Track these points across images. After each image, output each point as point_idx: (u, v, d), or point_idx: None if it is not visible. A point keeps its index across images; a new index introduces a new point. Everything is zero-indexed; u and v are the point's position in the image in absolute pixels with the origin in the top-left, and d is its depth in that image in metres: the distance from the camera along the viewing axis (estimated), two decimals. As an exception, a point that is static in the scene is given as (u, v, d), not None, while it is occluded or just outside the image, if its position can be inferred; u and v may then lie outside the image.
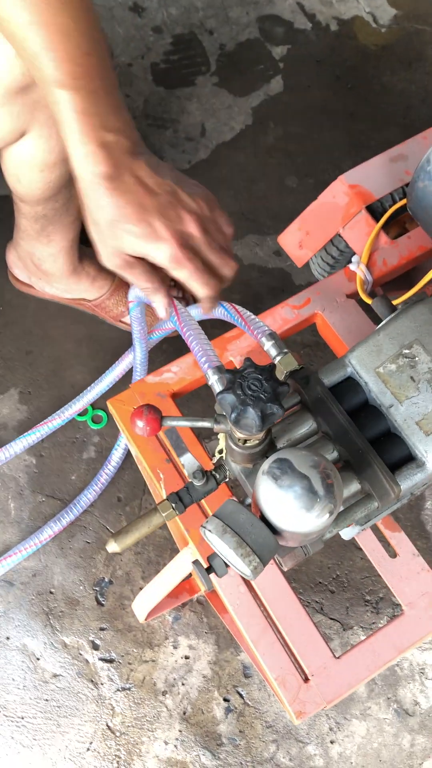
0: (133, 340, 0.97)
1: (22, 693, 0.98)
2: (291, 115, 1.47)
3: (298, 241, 1.06)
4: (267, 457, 0.66)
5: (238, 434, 0.59)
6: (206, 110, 1.47)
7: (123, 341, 1.19)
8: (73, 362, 1.21)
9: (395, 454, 0.67)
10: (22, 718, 0.97)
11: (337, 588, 1.03)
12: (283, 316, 0.92)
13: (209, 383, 0.67)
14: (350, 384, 0.70)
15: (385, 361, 0.68)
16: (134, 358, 1.00)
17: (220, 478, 0.67)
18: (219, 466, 0.68)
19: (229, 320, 0.80)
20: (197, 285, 0.64)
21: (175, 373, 0.90)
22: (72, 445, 1.13)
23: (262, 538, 0.56)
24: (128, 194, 0.59)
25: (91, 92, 0.58)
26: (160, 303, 0.66)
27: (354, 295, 0.95)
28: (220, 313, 0.81)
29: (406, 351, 0.67)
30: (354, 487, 0.66)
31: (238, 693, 0.98)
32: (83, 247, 1.16)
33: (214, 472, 0.67)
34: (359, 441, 0.66)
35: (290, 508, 0.54)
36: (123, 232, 0.60)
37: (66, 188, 0.96)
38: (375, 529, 0.81)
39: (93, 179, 0.59)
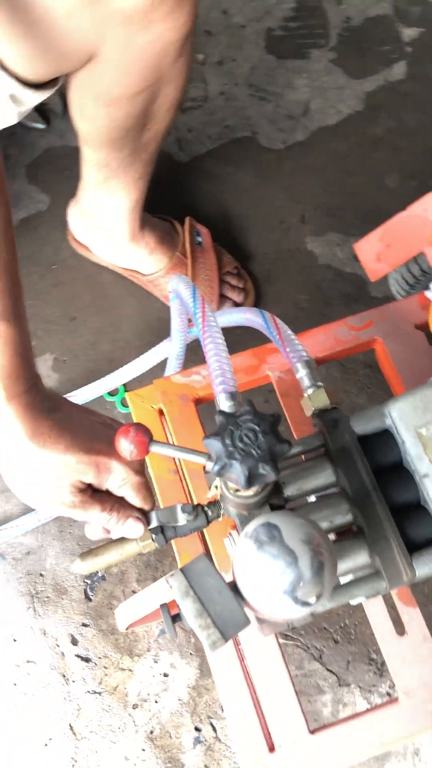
0: (172, 332, 0.89)
1: (-7, 670, 0.94)
2: (408, 106, 1.33)
3: (377, 252, 0.95)
4: (268, 506, 0.57)
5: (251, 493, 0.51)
6: (315, 88, 1.35)
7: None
8: (115, 337, 1.14)
9: (419, 532, 0.57)
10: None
11: (343, 638, 0.94)
12: (338, 335, 0.82)
13: (218, 408, 0.59)
14: (385, 439, 0.60)
15: (429, 422, 0.57)
16: (170, 352, 0.93)
17: (212, 516, 0.59)
18: (214, 502, 0.60)
19: (266, 333, 0.71)
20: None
21: (204, 378, 0.81)
22: (96, 423, 1.07)
23: (228, 612, 0.48)
24: None
25: None
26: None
27: (424, 327, 0.83)
28: (258, 324, 0.72)
29: (459, 415, 0.56)
30: (362, 559, 0.56)
31: (212, 725, 0.91)
32: (147, 215, 1.09)
33: (206, 508, 0.59)
34: (380, 508, 0.56)
35: (268, 586, 0.45)
36: None
37: (132, 135, 0.88)
38: (388, 597, 0.71)
39: None
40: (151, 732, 0.91)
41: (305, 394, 0.63)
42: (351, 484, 0.58)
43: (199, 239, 1.12)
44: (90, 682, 0.93)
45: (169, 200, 1.24)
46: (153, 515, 0.58)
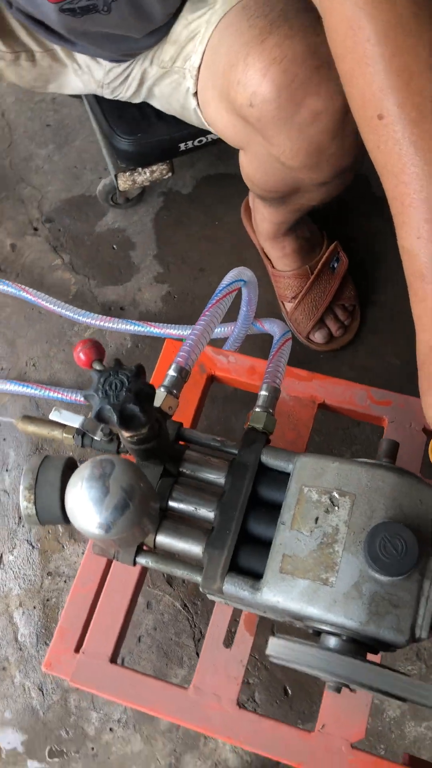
0: (238, 317, 0.99)
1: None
2: None
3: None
4: (158, 463, 0.68)
5: (129, 435, 0.61)
6: None
7: (276, 315, 1.20)
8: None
9: (249, 560, 0.64)
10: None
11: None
12: (355, 396, 0.87)
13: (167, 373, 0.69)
14: (281, 479, 0.67)
15: (314, 486, 0.63)
16: (232, 333, 1.03)
17: (122, 449, 0.70)
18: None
19: (272, 348, 0.79)
20: None
21: (228, 362, 0.91)
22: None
23: (51, 503, 0.60)
24: None
25: None
26: None
27: (429, 433, 0.86)
28: (276, 339, 0.80)
29: (336, 496, 0.62)
30: (195, 549, 0.65)
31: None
32: (305, 218, 1.16)
33: (122, 439, 0.70)
34: (235, 523, 0.64)
35: (78, 497, 0.56)
36: None
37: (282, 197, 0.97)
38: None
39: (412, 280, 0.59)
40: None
41: (254, 410, 0.72)
42: (229, 493, 0.66)
43: (335, 265, 1.18)
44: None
45: (341, 218, 1.29)
46: (82, 419, 0.71)
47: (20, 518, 1.12)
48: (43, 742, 1.01)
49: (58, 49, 0.95)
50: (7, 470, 1.16)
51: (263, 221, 1.12)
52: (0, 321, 1.29)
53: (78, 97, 1.35)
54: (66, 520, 0.60)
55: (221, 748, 0.97)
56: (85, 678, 0.76)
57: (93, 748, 0.99)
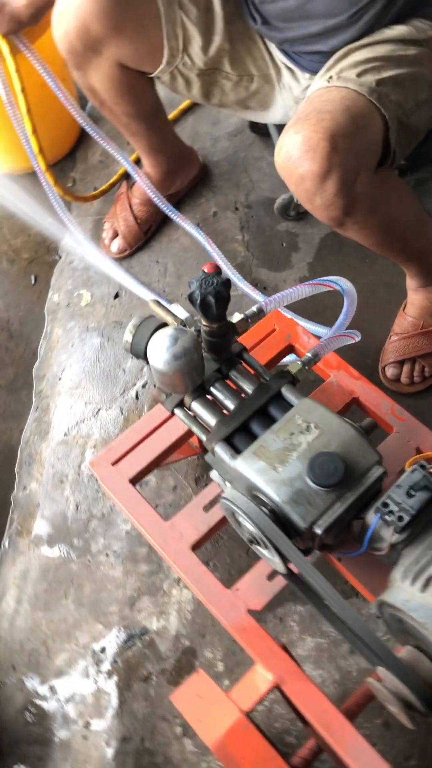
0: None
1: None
2: None
3: None
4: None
5: (205, 324, 0.93)
6: None
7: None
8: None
9: (239, 443, 0.93)
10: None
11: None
12: (381, 405, 1.12)
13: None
14: (286, 406, 0.95)
15: (302, 416, 0.91)
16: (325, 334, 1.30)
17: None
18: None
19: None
20: None
21: (308, 343, 1.19)
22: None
23: (141, 339, 0.93)
24: None
25: None
26: None
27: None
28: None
29: (312, 426, 0.90)
30: (212, 421, 0.95)
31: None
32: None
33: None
34: (242, 417, 0.94)
35: (157, 341, 0.88)
36: None
37: None
38: None
39: None
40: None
41: (295, 361, 1.00)
42: (250, 399, 0.95)
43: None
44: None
45: None
46: (188, 315, 1.02)
47: (124, 390, 1.48)
48: (60, 540, 1.36)
49: (272, 72, 1.29)
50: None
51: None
52: (180, 260, 1.66)
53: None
54: (145, 356, 0.93)
55: (170, 606, 1.26)
56: (108, 480, 1.09)
57: (89, 560, 1.32)
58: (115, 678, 1.21)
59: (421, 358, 1.40)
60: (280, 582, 0.99)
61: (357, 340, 1.12)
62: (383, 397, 1.13)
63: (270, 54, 1.33)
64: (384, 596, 0.85)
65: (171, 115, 1.85)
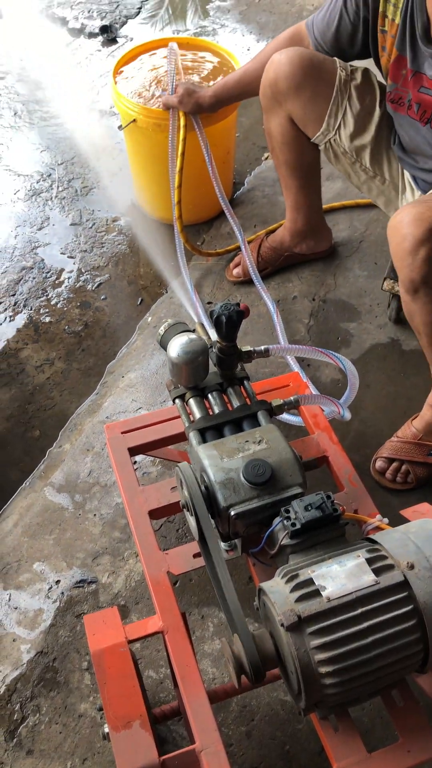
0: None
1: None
2: None
3: None
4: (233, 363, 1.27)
5: (218, 341, 1.21)
6: None
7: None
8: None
9: (207, 437, 1.18)
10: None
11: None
12: (342, 470, 1.33)
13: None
14: (255, 425, 1.20)
15: (259, 433, 1.15)
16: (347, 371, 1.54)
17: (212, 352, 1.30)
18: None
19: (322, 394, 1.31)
20: None
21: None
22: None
23: (168, 336, 1.23)
24: None
25: None
26: None
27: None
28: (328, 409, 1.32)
29: (264, 442, 1.14)
30: (198, 414, 1.22)
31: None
32: None
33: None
34: (219, 419, 1.20)
35: (177, 339, 1.18)
36: None
37: None
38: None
39: None
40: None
41: (275, 402, 1.25)
42: (233, 411, 1.21)
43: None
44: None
45: None
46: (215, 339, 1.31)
47: (164, 401, 1.77)
48: (66, 491, 1.63)
49: (400, 183, 1.62)
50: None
51: None
52: (250, 321, 1.97)
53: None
54: (164, 347, 1.22)
55: (123, 570, 1.48)
56: (113, 442, 1.36)
57: (80, 514, 1.59)
58: (56, 605, 1.44)
59: (409, 463, 1.59)
60: (199, 562, 1.21)
61: (343, 415, 1.35)
62: (348, 464, 1.34)
63: (401, 171, 1.69)
64: (262, 584, 1.05)
65: (326, 206, 2.17)
